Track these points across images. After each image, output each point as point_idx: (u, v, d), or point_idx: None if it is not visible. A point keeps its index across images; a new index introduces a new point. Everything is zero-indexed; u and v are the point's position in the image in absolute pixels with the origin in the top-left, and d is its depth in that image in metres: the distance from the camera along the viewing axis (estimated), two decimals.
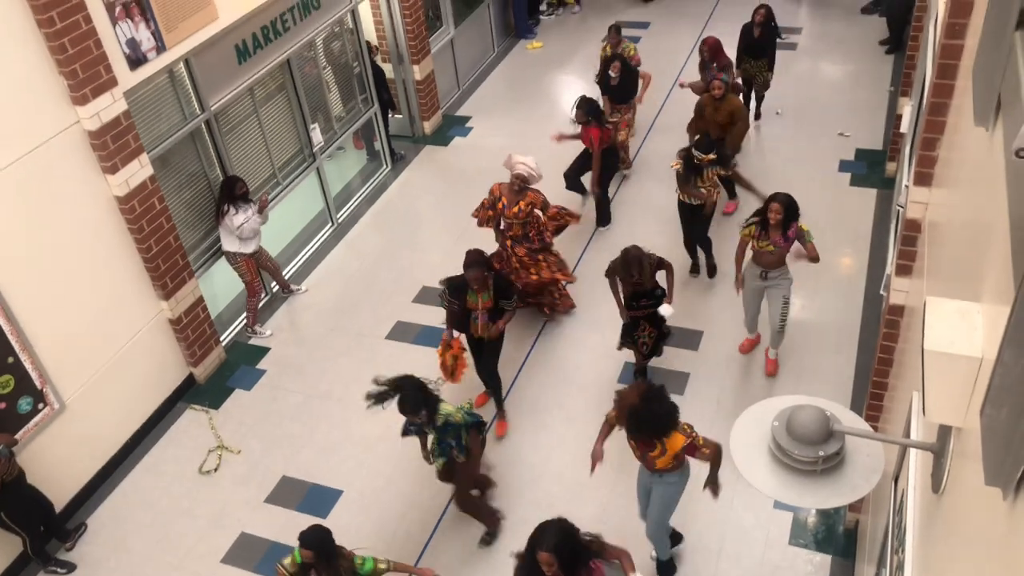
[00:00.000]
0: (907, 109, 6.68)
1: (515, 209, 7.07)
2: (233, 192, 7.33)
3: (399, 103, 10.62)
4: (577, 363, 7.29)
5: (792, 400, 2.79)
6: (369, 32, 9.94)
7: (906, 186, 4.94)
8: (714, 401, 6.75)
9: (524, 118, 10.86)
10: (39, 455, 6.10)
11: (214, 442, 6.95)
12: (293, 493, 6.46)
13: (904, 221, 4.49)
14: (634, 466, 5.33)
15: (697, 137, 7.56)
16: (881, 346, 4.95)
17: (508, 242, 7.29)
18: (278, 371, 7.57)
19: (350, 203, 9.62)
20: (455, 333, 6.48)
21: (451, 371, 6.47)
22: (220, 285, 8.10)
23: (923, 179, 4.23)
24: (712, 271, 7.97)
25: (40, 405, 6.06)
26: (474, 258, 6.09)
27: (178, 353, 7.29)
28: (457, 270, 6.28)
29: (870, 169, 9.21)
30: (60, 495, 6.29)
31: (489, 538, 5.93)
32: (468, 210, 7.50)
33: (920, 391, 2.19)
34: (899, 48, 11.06)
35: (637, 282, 6.27)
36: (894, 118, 9.27)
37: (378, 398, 5.16)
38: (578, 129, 8.34)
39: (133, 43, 6.31)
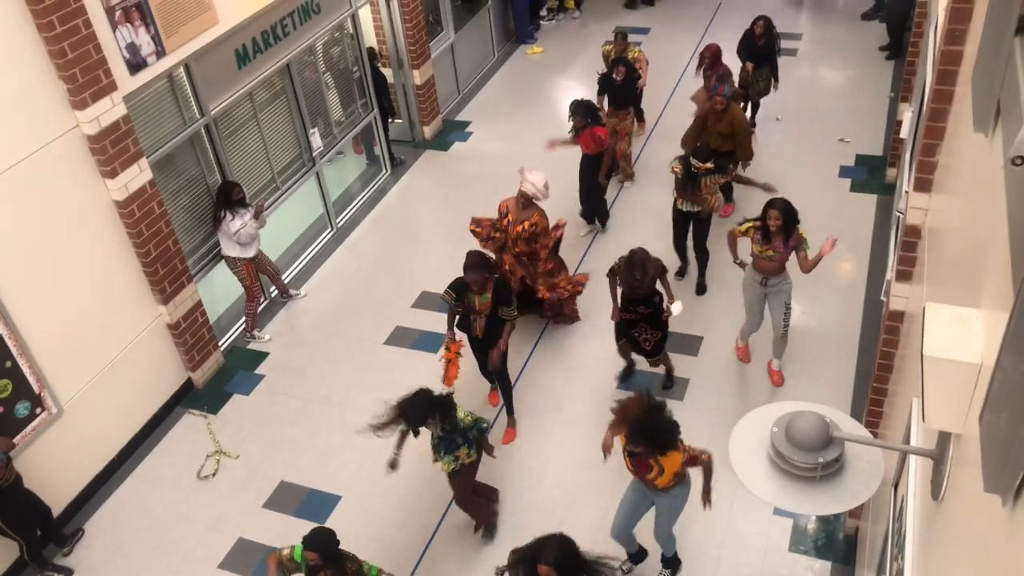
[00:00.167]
0: (907, 115, 6.68)
1: (519, 228, 7.02)
2: (230, 198, 7.31)
3: (399, 108, 10.63)
4: (577, 368, 7.28)
5: (791, 406, 2.78)
6: (369, 36, 9.94)
7: (906, 192, 4.93)
8: (714, 407, 6.74)
9: (524, 123, 10.86)
10: (36, 460, 6.09)
11: (212, 447, 6.93)
12: (291, 498, 6.44)
13: (904, 227, 4.49)
14: None
15: (699, 145, 7.55)
16: (881, 352, 4.94)
17: (508, 263, 7.20)
18: (277, 376, 7.56)
19: (350, 208, 9.62)
20: (457, 335, 6.47)
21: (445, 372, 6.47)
22: (219, 290, 8.08)
23: (923, 185, 4.23)
24: (701, 289, 7.87)
25: (38, 410, 6.04)
26: (475, 260, 6.09)
27: (176, 358, 7.28)
28: (456, 275, 6.28)
29: (870, 175, 9.22)
30: (57, 500, 6.27)
31: (489, 531, 5.97)
32: (468, 215, 7.48)
33: (920, 397, 2.18)
34: (899, 54, 11.07)
35: (637, 284, 6.26)
36: (894, 124, 9.28)
37: (381, 428, 5.16)
38: (570, 136, 8.21)
39: (133, 48, 6.32)
